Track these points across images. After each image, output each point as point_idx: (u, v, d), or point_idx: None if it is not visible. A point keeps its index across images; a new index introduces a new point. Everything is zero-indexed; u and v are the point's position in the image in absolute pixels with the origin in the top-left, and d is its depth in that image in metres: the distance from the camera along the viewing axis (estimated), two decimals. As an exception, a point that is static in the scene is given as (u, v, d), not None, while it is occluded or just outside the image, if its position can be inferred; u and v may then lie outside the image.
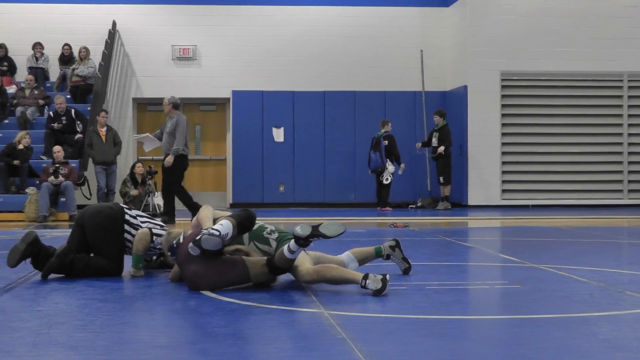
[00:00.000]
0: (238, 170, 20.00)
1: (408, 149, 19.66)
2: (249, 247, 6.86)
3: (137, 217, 7.57)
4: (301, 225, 6.26)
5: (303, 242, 6.28)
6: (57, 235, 12.33)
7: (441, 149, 18.65)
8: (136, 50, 20.13)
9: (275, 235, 6.94)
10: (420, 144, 19.24)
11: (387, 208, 18.77)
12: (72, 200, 16.02)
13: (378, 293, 6.19)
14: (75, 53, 19.54)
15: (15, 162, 16.58)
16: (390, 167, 18.82)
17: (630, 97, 19.64)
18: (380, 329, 5.16)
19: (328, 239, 6.29)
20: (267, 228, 6.96)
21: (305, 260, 6.60)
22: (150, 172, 17.19)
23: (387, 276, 6.27)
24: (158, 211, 16.81)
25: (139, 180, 17.02)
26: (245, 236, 6.87)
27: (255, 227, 6.89)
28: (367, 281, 6.23)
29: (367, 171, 19.38)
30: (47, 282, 7.15)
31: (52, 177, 15.97)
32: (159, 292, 6.56)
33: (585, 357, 4.41)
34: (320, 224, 6.28)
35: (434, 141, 18.90)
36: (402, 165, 18.90)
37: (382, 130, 19.00)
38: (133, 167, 17.22)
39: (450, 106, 19.91)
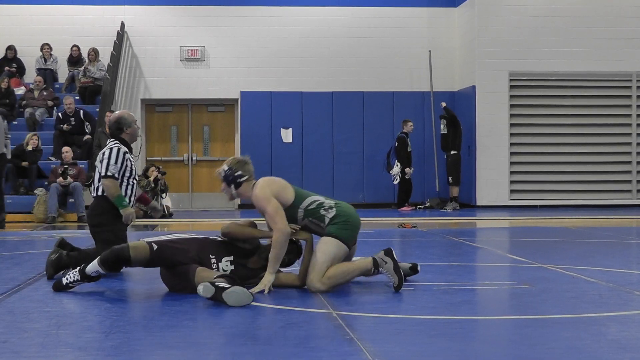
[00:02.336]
0: (246, 171, 19.96)
1: (417, 149, 19.64)
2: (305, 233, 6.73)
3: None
4: (204, 285, 5.92)
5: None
6: (65, 236, 12.33)
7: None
8: (144, 52, 20.15)
9: (332, 213, 6.70)
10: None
11: (404, 208, 18.73)
12: (81, 201, 16.04)
13: (398, 289, 6.31)
14: (84, 54, 19.58)
15: (24, 163, 16.63)
16: (396, 169, 18.85)
17: (639, 97, 19.58)
18: (388, 329, 5.16)
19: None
20: (324, 205, 6.72)
21: (319, 270, 6.55)
22: (160, 172, 17.21)
23: (393, 251, 6.36)
24: (167, 212, 16.84)
25: (152, 184, 17.00)
26: (301, 211, 6.68)
27: (314, 205, 6.71)
28: (381, 269, 6.32)
29: (376, 171, 19.55)
30: (56, 283, 7.16)
31: (61, 178, 16.01)
32: (167, 293, 6.56)
33: (594, 357, 4.40)
34: (226, 289, 5.87)
35: (442, 128, 18.86)
36: (408, 169, 18.81)
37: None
38: (147, 170, 17.24)
39: (458, 106, 19.88)
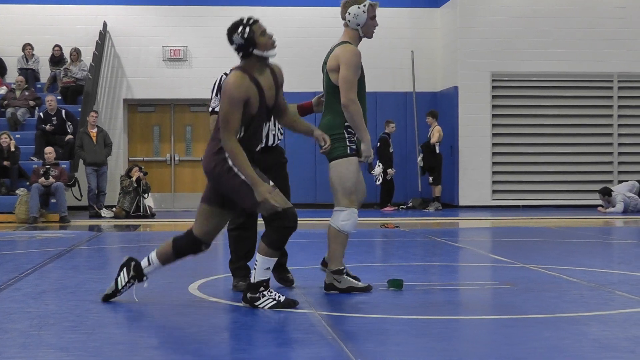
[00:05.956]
0: (229, 171, 19.93)
1: (399, 150, 19.65)
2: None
3: None
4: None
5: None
6: (47, 237, 12.30)
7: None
8: (127, 52, 20.09)
9: None
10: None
11: (387, 209, 18.74)
12: (63, 202, 15.98)
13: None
14: (66, 54, 19.49)
15: (6, 162, 16.53)
16: (378, 169, 18.82)
17: (620, 97, 19.68)
18: (370, 329, 5.17)
19: None
20: None
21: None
22: (143, 172, 17.16)
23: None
24: (149, 212, 16.77)
25: (135, 184, 16.94)
26: None
27: None
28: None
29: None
30: (37, 284, 7.14)
31: (43, 179, 15.93)
32: (150, 293, 6.54)
33: (575, 357, 4.42)
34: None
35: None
36: (390, 170, 18.84)
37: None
38: (129, 170, 17.16)
39: (440, 107, 19.92)
